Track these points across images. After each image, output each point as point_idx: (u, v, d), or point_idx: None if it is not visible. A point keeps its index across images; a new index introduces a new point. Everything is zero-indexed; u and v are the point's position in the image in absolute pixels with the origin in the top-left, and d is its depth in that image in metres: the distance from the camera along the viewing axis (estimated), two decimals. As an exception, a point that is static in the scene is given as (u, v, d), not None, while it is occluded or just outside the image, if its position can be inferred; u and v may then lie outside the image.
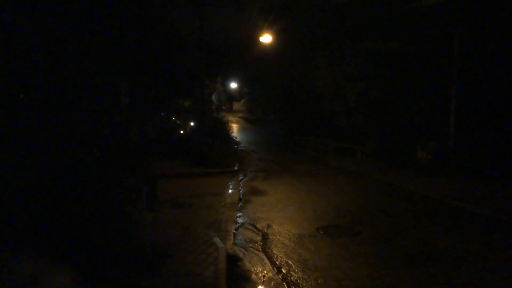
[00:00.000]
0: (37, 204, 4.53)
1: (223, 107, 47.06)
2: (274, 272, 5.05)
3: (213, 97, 20.20)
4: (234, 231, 6.85)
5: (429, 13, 14.38)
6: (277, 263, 5.35)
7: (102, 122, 6.72)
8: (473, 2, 13.16)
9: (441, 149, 13.42)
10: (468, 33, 13.00)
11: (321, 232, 6.73)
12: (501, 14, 12.74)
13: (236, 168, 14.78)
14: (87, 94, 6.49)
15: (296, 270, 5.06)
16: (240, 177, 13.04)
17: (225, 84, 46.61)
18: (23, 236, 4.26)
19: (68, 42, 5.57)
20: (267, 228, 6.97)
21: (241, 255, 5.68)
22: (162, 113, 21.42)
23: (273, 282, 4.78)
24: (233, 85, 49.25)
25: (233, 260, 5.41)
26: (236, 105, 56.29)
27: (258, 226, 7.15)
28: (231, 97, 52.03)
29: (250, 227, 7.14)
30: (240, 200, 9.49)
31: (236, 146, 20.40)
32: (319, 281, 4.73)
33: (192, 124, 21.58)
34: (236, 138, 23.56)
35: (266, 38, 19.63)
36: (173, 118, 23.04)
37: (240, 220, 7.61)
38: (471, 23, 13.13)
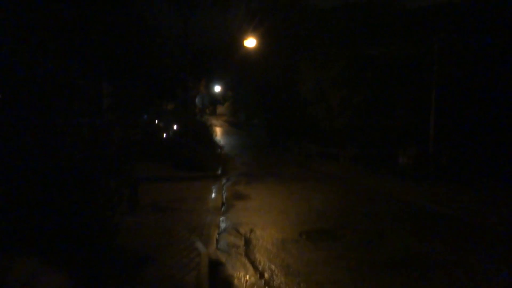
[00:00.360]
0: (17, 207, 4.42)
1: (207, 111, 46.82)
2: (257, 277, 5.03)
3: (197, 100, 20.14)
4: (217, 236, 6.80)
5: (411, 20, 14.69)
6: (259, 268, 5.34)
7: (83, 124, 6.61)
8: (452, 10, 13.51)
9: (422, 154, 13.67)
10: (448, 40, 13.33)
11: (303, 236, 6.75)
12: (479, 21, 13.12)
13: (219, 172, 14.71)
14: (68, 95, 6.36)
15: (279, 275, 5.06)
16: (223, 181, 12.98)
17: (209, 88, 46.39)
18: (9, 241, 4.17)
19: (50, 40, 5.47)
20: (250, 233, 6.95)
21: (223, 260, 5.65)
22: (145, 116, 21.18)
23: (255, 287, 4.77)
24: (217, 88, 49.01)
25: (215, 265, 5.37)
26: (220, 109, 56.15)
27: (241, 230, 7.12)
28: (215, 100, 51.82)
29: (233, 231, 7.11)
30: (223, 204, 9.44)
31: (219, 150, 20.32)
32: (302, 285, 4.74)
33: (175, 127, 21.40)
34: (219, 141, 23.48)
35: (250, 42, 19.63)
36: (156, 121, 22.81)
37: (223, 225, 7.57)
38: (451, 30, 13.47)
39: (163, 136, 19.56)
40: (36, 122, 5.48)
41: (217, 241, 6.55)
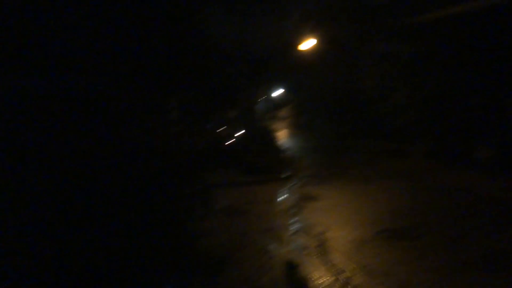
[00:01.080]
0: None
1: (269, 115, 47.20)
2: (333, 278, 4.98)
3: (258, 105, 20.39)
4: (289, 238, 6.83)
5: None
6: (335, 269, 5.27)
7: (156, 136, 7.03)
8: None
9: (504, 146, 12.57)
10: None
11: (378, 236, 6.54)
12: None
13: (286, 174, 14.75)
14: (142, 111, 6.82)
15: (356, 275, 4.95)
16: (291, 183, 13.00)
17: (269, 92, 46.82)
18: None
19: (126, 66, 5.92)
20: (322, 234, 6.88)
21: (297, 261, 5.66)
22: (209, 125, 21.91)
23: (332, 288, 4.72)
24: (278, 92, 49.37)
25: (289, 267, 5.40)
26: (281, 112, 56.40)
27: (313, 231, 7.08)
28: (276, 104, 52.16)
29: (305, 232, 7.09)
30: (293, 206, 9.45)
31: (284, 153, 20.39)
32: (382, 286, 4.60)
33: (239, 133, 21.89)
34: (283, 144, 23.58)
35: (308, 44, 19.54)
36: (222, 129, 23.49)
37: (294, 226, 7.58)
38: None
39: (228, 142, 20.09)
40: (116, 135, 5.94)
41: (290, 242, 6.58)
